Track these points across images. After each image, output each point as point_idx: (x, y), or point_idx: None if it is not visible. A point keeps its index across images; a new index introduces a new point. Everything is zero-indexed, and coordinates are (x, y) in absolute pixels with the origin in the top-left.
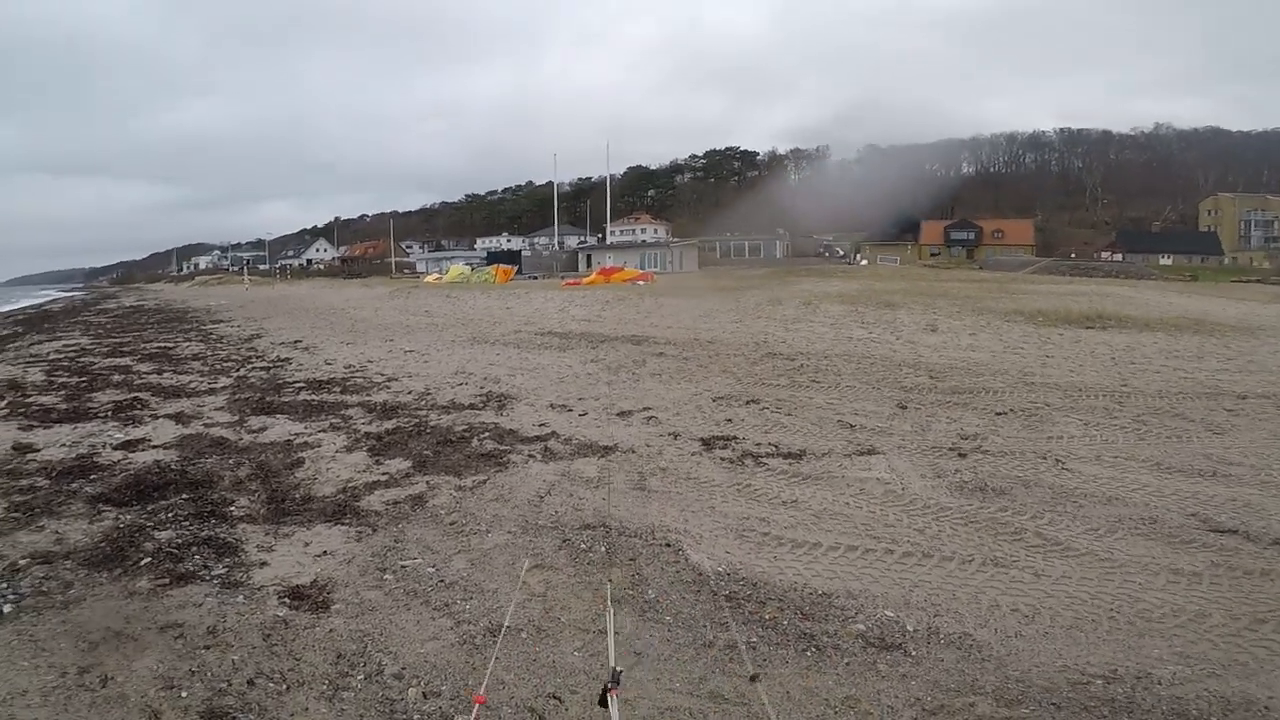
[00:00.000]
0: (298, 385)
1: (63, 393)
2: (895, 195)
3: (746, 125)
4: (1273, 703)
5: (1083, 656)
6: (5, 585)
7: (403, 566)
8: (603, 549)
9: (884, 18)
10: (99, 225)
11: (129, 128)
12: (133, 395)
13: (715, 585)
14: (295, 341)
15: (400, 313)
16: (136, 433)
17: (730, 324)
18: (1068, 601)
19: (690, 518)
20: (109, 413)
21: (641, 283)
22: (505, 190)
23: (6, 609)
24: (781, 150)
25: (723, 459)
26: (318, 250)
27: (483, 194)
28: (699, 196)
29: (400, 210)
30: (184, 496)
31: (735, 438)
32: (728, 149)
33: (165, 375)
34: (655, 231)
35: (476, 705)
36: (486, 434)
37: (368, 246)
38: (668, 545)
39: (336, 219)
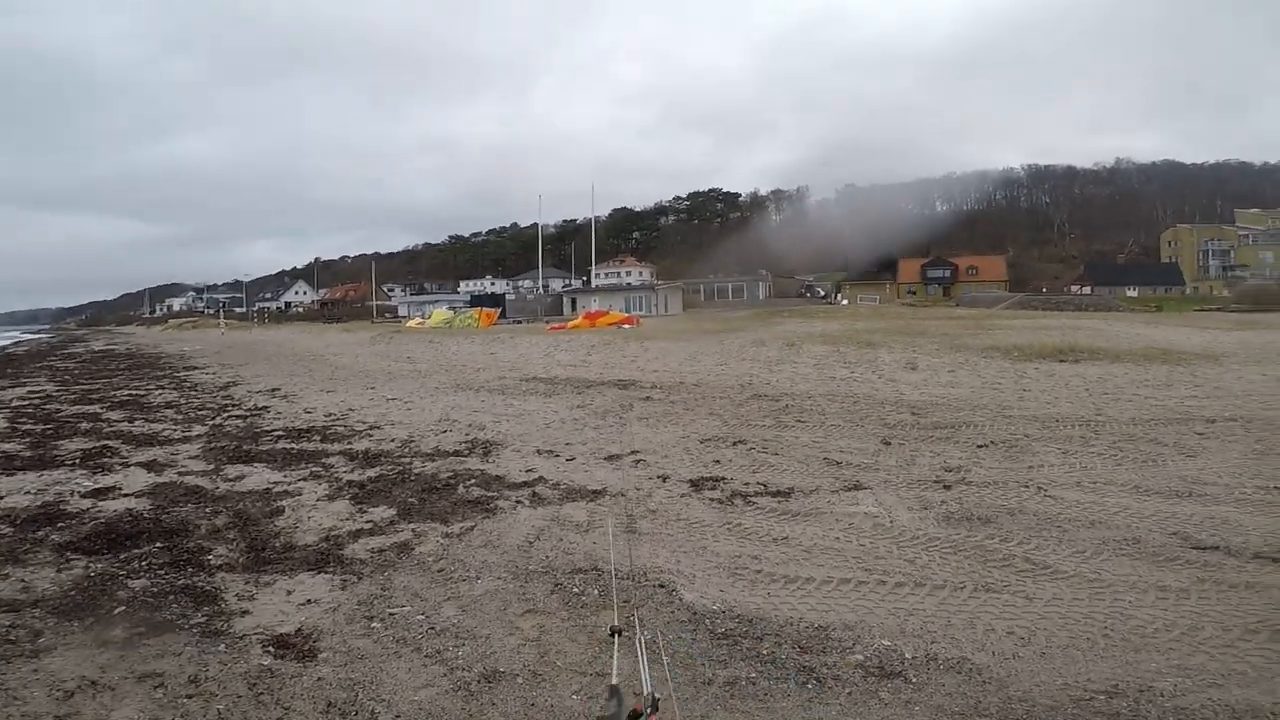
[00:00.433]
0: (276, 434)
1: (27, 440)
2: (873, 234)
3: (729, 166)
4: (1278, 708)
5: (1082, 674)
6: None
7: (391, 614)
8: (595, 592)
9: (860, 61)
10: (70, 262)
11: (108, 161)
12: (102, 443)
13: (711, 624)
14: (273, 389)
15: (382, 359)
16: (106, 480)
17: (715, 366)
18: (1061, 622)
19: (682, 558)
20: (77, 460)
21: (626, 326)
22: (489, 232)
23: None
24: (763, 191)
25: (712, 499)
26: (297, 293)
27: (466, 235)
28: (683, 238)
29: (382, 251)
30: (158, 545)
31: (724, 478)
32: (710, 190)
33: (136, 423)
34: (640, 274)
35: None
36: (473, 480)
37: (348, 289)
38: (661, 586)
39: (317, 260)
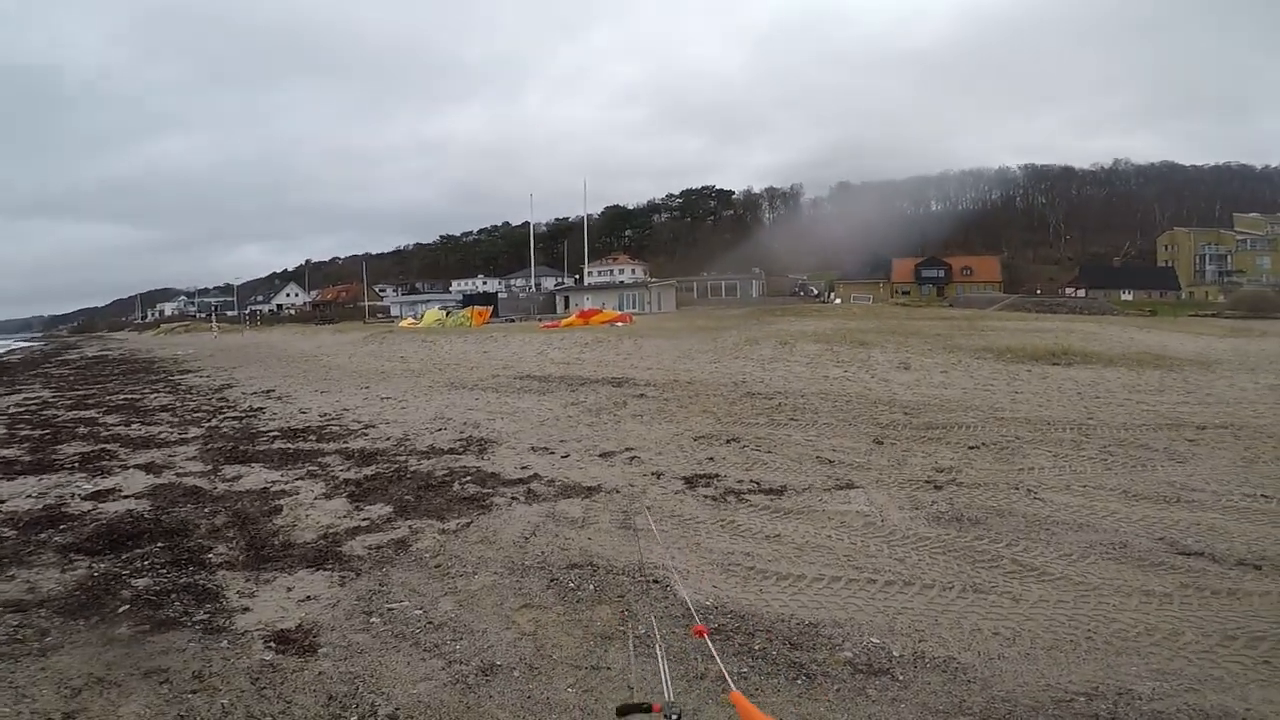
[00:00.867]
0: (272, 434)
1: (26, 445)
2: (867, 233)
3: (723, 165)
4: (1250, 714)
5: (1064, 675)
6: None
7: (389, 609)
8: (591, 587)
9: (854, 58)
10: (61, 269)
11: (96, 166)
12: (100, 447)
13: (704, 619)
14: (268, 391)
15: (375, 359)
16: (106, 483)
17: (709, 364)
18: (1046, 624)
19: (676, 554)
20: (76, 464)
21: (620, 324)
22: (481, 231)
23: None
24: (757, 189)
25: (706, 496)
26: (288, 295)
27: (458, 235)
28: (676, 236)
29: (373, 252)
30: (159, 545)
31: (717, 475)
32: (704, 188)
33: (133, 426)
34: (633, 272)
35: None
36: (468, 478)
37: (340, 290)
38: (655, 582)
39: (308, 262)
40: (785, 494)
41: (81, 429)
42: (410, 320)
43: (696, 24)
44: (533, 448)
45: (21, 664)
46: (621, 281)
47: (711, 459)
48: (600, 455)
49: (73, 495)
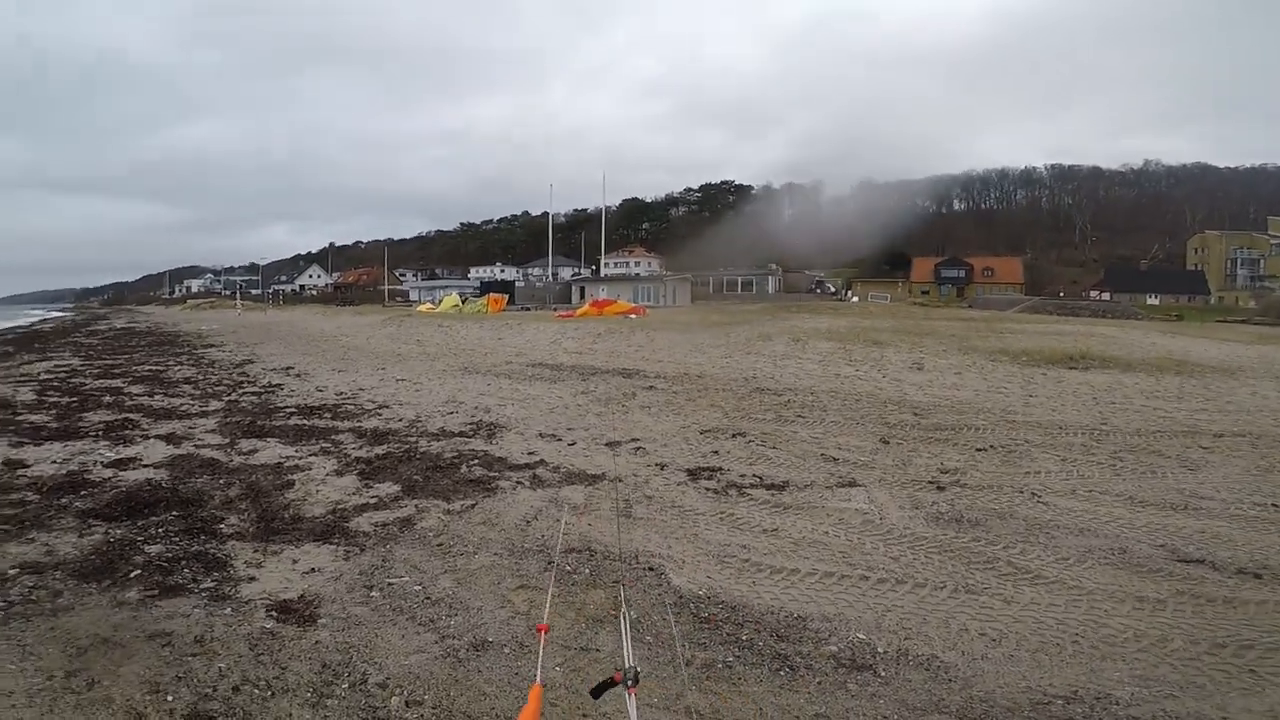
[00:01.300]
0: (289, 410)
1: (53, 412)
2: (887, 231)
3: (742, 159)
4: None
5: (1045, 678)
6: None
7: (390, 584)
8: (587, 571)
9: (879, 55)
10: (94, 244)
11: (133, 147)
12: (124, 416)
13: (695, 608)
14: (287, 368)
15: (392, 341)
16: (127, 452)
17: (720, 359)
18: (1035, 626)
19: (674, 544)
20: (100, 432)
21: (634, 316)
22: (501, 220)
23: None
24: (776, 184)
25: (707, 489)
26: (311, 276)
27: (478, 223)
28: (693, 230)
29: (395, 237)
30: (174, 514)
31: (720, 469)
32: (723, 183)
33: (156, 397)
34: (649, 265)
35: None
36: (476, 461)
37: (362, 273)
38: (650, 569)
39: (331, 244)
40: (787, 489)
41: (107, 398)
42: (429, 305)
43: (719, 20)
44: (541, 434)
45: (33, 623)
46: (637, 274)
47: (716, 452)
48: (607, 444)
49: (95, 462)
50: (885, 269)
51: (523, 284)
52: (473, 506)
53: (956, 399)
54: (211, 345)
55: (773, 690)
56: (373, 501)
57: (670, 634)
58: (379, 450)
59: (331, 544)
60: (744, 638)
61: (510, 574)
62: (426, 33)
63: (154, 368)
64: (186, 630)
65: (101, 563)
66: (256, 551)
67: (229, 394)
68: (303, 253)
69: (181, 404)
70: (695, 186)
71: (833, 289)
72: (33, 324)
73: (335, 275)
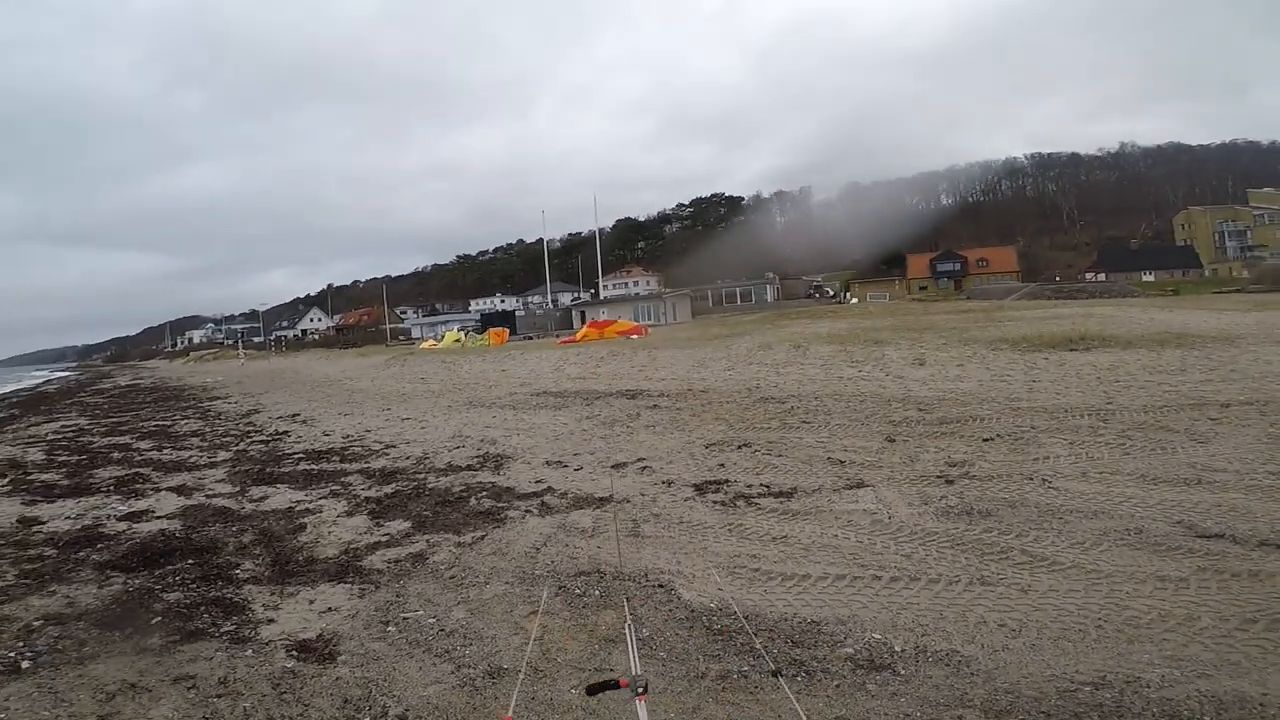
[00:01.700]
0: (297, 456)
1: (64, 470)
2: (879, 231)
3: (731, 171)
4: (1267, 699)
5: (1071, 665)
6: (22, 644)
7: (405, 618)
8: (597, 593)
9: (854, 58)
10: (92, 298)
11: (125, 195)
12: (134, 470)
13: (707, 620)
14: (293, 415)
15: (396, 381)
16: (139, 505)
17: (723, 372)
18: (1055, 614)
19: (683, 559)
20: (111, 487)
21: (635, 337)
22: (496, 249)
23: (25, 664)
24: (766, 193)
25: (715, 502)
26: (312, 320)
27: (474, 254)
28: (688, 245)
29: (393, 274)
30: (190, 561)
31: (727, 481)
32: (713, 195)
33: (165, 451)
34: (647, 283)
35: None
36: (484, 493)
37: (362, 314)
38: (660, 586)
39: (330, 286)
40: (794, 496)
41: (116, 454)
42: (431, 342)
43: (698, 33)
44: (547, 462)
45: (61, 671)
46: (636, 294)
47: (722, 465)
48: (613, 466)
49: (108, 516)
50: (882, 268)
51: (523, 313)
52: (483, 537)
53: (960, 391)
54: (217, 397)
55: (789, 696)
56: (384, 539)
57: (684, 649)
58: (388, 489)
59: (346, 583)
60: (758, 646)
61: (522, 601)
62: (410, 65)
63: (161, 423)
64: (210, 672)
65: (122, 611)
66: (273, 594)
67: (237, 444)
68: (302, 296)
69: (190, 456)
70: (687, 201)
71: (831, 292)
72: (37, 385)
73: (336, 317)
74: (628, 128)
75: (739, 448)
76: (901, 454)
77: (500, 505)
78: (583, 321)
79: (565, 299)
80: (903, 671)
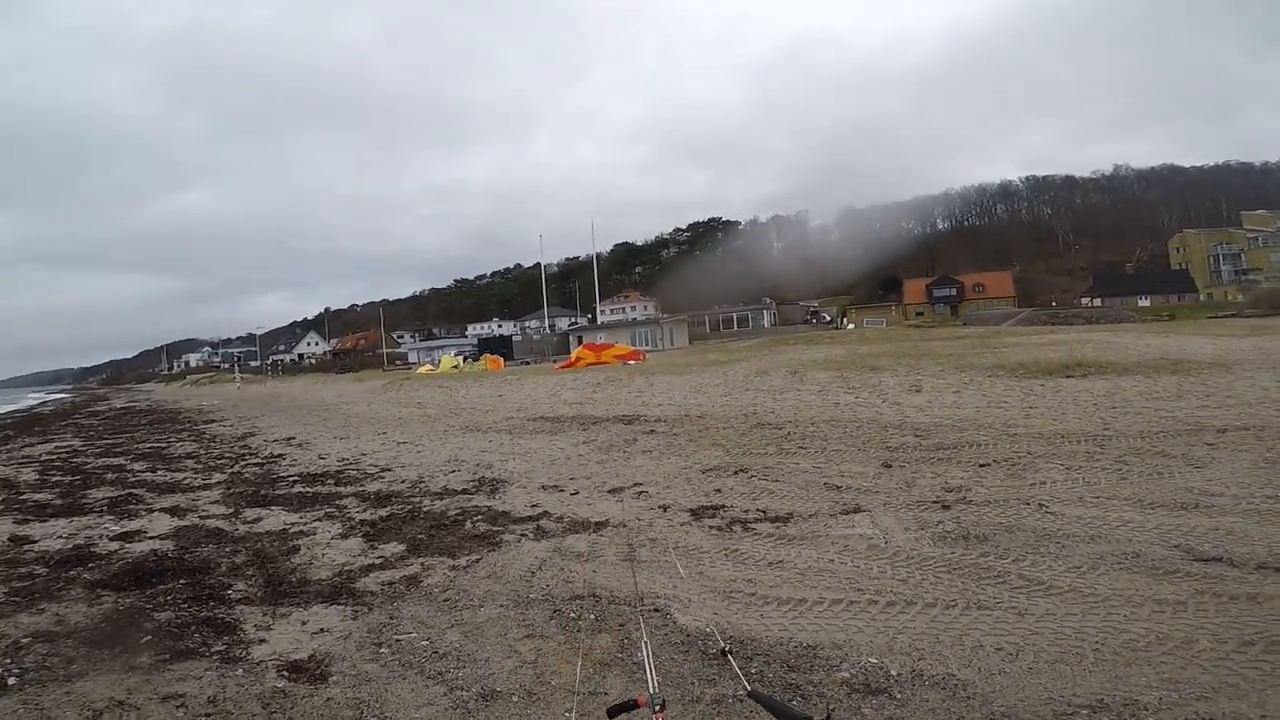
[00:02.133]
0: (292, 479)
1: (57, 490)
2: (876, 255)
3: (728, 196)
4: None
5: (1068, 689)
6: (9, 661)
7: (398, 640)
8: (592, 617)
9: (849, 83)
10: (89, 321)
11: (124, 217)
12: (127, 491)
13: (703, 645)
14: (289, 438)
15: (393, 405)
16: (132, 525)
17: (720, 397)
18: (1052, 638)
19: (679, 584)
20: (104, 507)
21: (632, 362)
22: (494, 274)
23: (11, 681)
24: (763, 218)
25: (711, 527)
26: (309, 344)
27: (471, 278)
28: (685, 270)
29: (390, 298)
30: (182, 581)
31: (723, 506)
32: (710, 220)
33: (159, 473)
34: (645, 308)
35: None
36: (479, 516)
37: (359, 338)
38: (656, 610)
39: (326, 310)
40: (791, 521)
41: (110, 475)
42: (429, 366)
43: (694, 59)
44: (543, 486)
45: (48, 689)
46: (634, 318)
47: (719, 490)
48: (609, 491)
49: (101, 536)
50: (879, 294)
51: (520, 338)
52: (478, 561)
53: (957, 417)
54: (212, 420)
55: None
56: (378, 562)
57: (679, 672)
58: (383, 512)
59: (339, 604)
60: (754, 671)
61: (516, 624)
62: (410, 89)
63: (155, 445)
64: (200, 691)
65: (112, 630)
66: (265, 615)
67: (231, 466)
68: (299, 319)
69: (184, 478)
70: (684, 226)
71: (828, 318)
72: (32, 407)
73: (333, 341)
74: (625, 153)
75: (735, 473)
76: (898, 479)
77: (495, 529)
78: (579, 344)
79: (563, 324)
80: (899, 696)
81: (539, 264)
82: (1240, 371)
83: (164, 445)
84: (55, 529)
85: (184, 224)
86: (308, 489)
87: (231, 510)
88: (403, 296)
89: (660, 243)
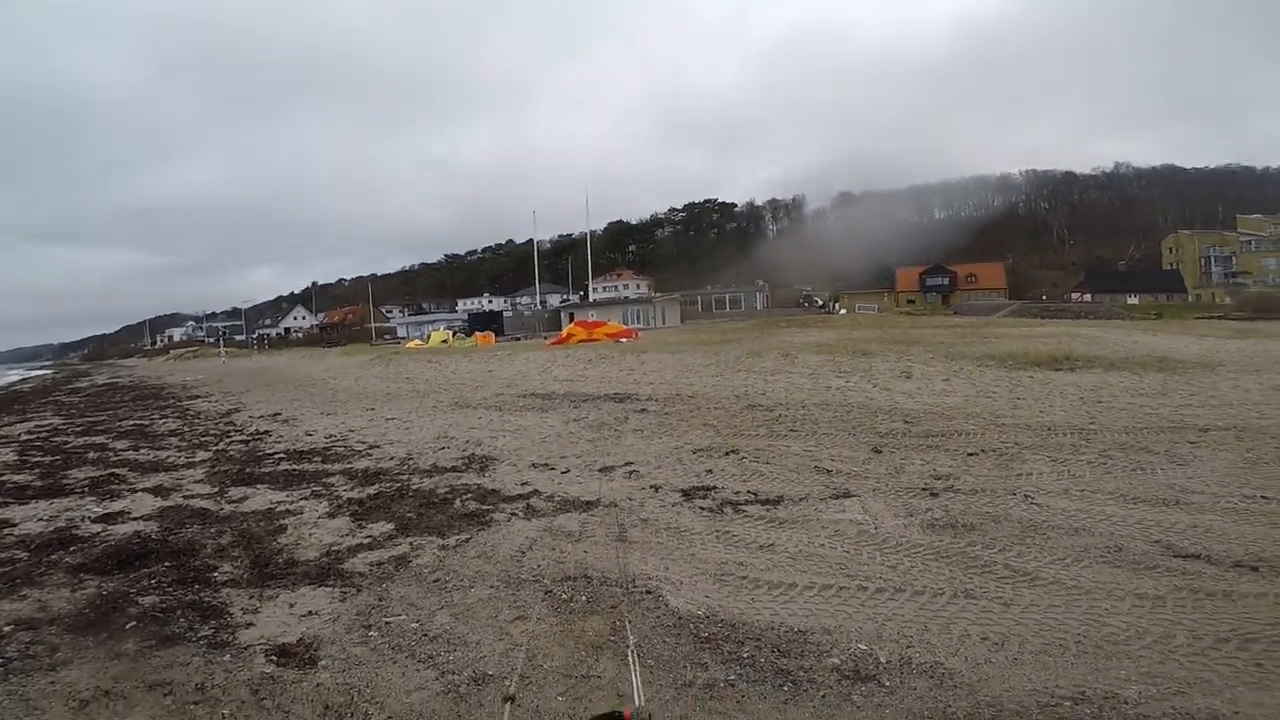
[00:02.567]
0: (278, 456)
1: (37, 471)
2: (871, 242)
3: (727, 178)
4: (1238, 717)
5: (1051, 680)
6: None
7: (387, 623)
8: (584, 598)
9: (855, 72)
10: (72, 296)
11: (111, 192)
12: (109, 471)
13: (695, 628)
14: (274, 414)
15: (381, 380)
16: (115, 506)
17: (711, 378)
18: (1036, 628)
19: (670, 565)
20: (86, 488)
21: (624, 340)
22: (485, 249)
23: None
24: (759, 201)
25: (702, 508)
26: (295, 318)
27: (463, 254)
28: (680, 250)
29: (379, 273)
30: (166, 564)
31: (715, 487)
32: (707, 201)
33: (142, 451)
34: (637, 287)
35: None
36: (469, 495)
37: (347, 312)
38: (648, 592)
39: (314, 284)
40: (781, 504)
41: (91, 454)
42: (418, 341)
43: (699, 41)
44: (534, 464)
45: (33, 678)
46: (626, 297)
47: (710, 471)
48: (600, 470)
49: (83, 518)
50: (871, 280)
51: (511, 314)
52: (467, 540)
53: (946, 405)
54: (196, 396)
55: (776, 706)
56: (366, 541)
57: (670, 656)
58: (371, 490)
59: (327, 586)
60: (745, 655)
61: (507, 606)
62: (407, 62)
63: (138, 422)
64: (187, 678)
65: (96, 616)
66: (252, 597)
67: (216, 444)
68: (285, 294)
69: (168, 456)
70: (680, 206)
71: (820, 302)
72: (11, 384)
73: (320, 316)
74: (624, 131)
75: (727, 454)
76: (887, 465)
77: (485, 508)
78: (571, 323)
79: (554, 300)
80: (887, 683)
81: (532, 240)
82: (1224, 372)
83: (147, 423)
84: (36, 511)
85: (173, 199)
86: (294, 466)
87: (216, 489)
88: (392, 271)
89: (655, 222)
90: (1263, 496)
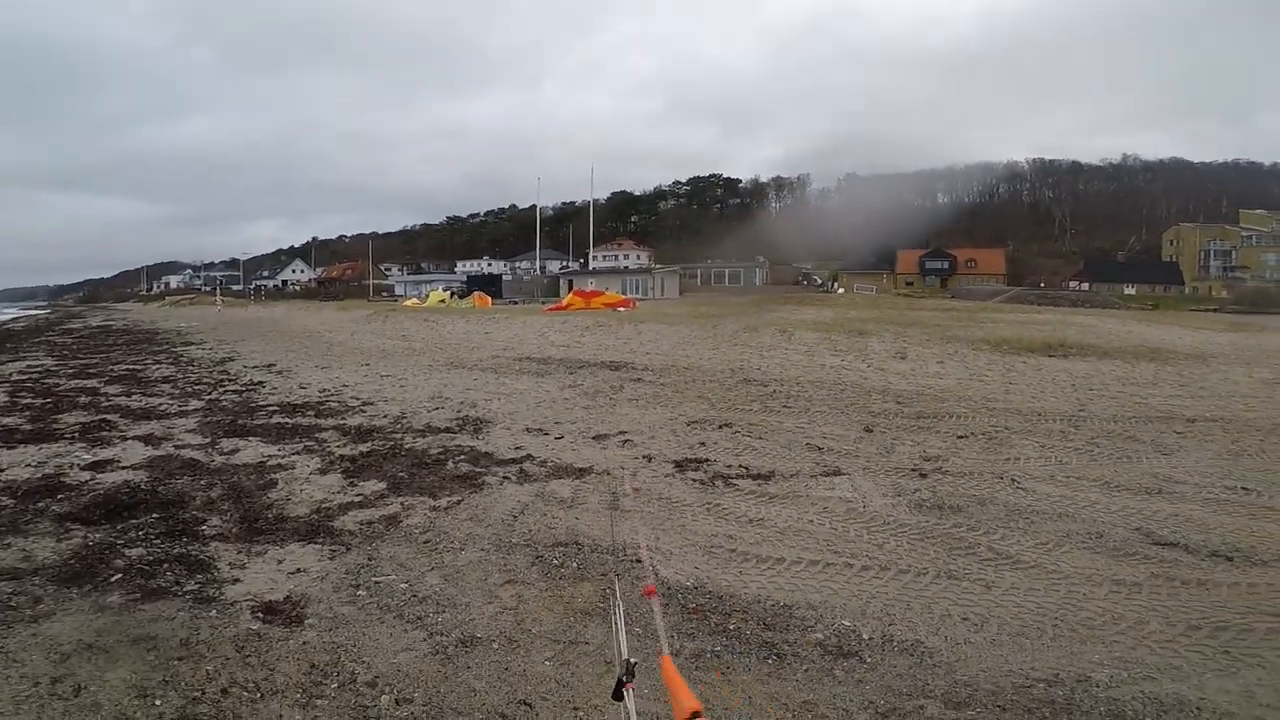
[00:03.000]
0: (271, 409)
1: (27, 414)
2: (873, 224)
3: (733, 155)
4: (1203, 703)
5: (1027, 662)
6: None
7: (376, 583)
8: (574, 565)
9: (870, 57)
10: (71, 242)
11: (119, 141)
12: (100, 417)
13: (683, 599)
14: (269, 365)
15: (377, 337)
16: (105, 454)
17: (708, 351)
18: (1015, 611)
19: (661, 535)
20: (76, 434)
21: (622, 309)
22: (488, 213)
23: None
24: (764, 179)
25: (694, 480)
26: (294, 271)
27: (465, 216)
28: (682, 223)
29: (380, 231)
30: (154, 516)
31: (707, 460)
32: (711, 176)
33: (134, 398)
34: (638, 257)
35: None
36: (462, 456)
37: (346, 268)
38: (638, 561)
39: (314, 239)
40: (772, 479)
41: (83, 399)
42: (415, 300)
43: (715, 20)
44: (528, 429)
45: (14, 630)
46: (626, 266)
47: (703, 444)
48: (594, 437)
49: (71, 465)
50: (871, 261)
51: (510, 278)
52: (459, 502)
53: (939, 387)
54: (191, 343)
55: (760, 678)
56: (358, 500)
57: (657, 626)
58: (363, 447)
59: (317, 543)
60: (731, 627)
61: (497, 569)
62: (423, 29)
63: (131, 367)
64: (171, 634)
65: (81, 567)
66: (240, 553)
67: (209, 393)
68: (285, 248)
69: (160, 404)
70: (684, 180)
71: (820, 281)
72: (4, 323)
73: (319, 270)
74: (634, 105)
75: (720, 427)
76: (878, 444)
77: (478, 470)
78: (570, 290)
79: (554, 267)
80: (869, 659)
81: (534, 206)
82: (1215, 364)
83: (140, 368)
84: (23, 456)
85: (179, 151)
86: (287, 420)
87: (208, 440)
88: (394, 230)
89: (659, 194)
90: (1243, 488)
